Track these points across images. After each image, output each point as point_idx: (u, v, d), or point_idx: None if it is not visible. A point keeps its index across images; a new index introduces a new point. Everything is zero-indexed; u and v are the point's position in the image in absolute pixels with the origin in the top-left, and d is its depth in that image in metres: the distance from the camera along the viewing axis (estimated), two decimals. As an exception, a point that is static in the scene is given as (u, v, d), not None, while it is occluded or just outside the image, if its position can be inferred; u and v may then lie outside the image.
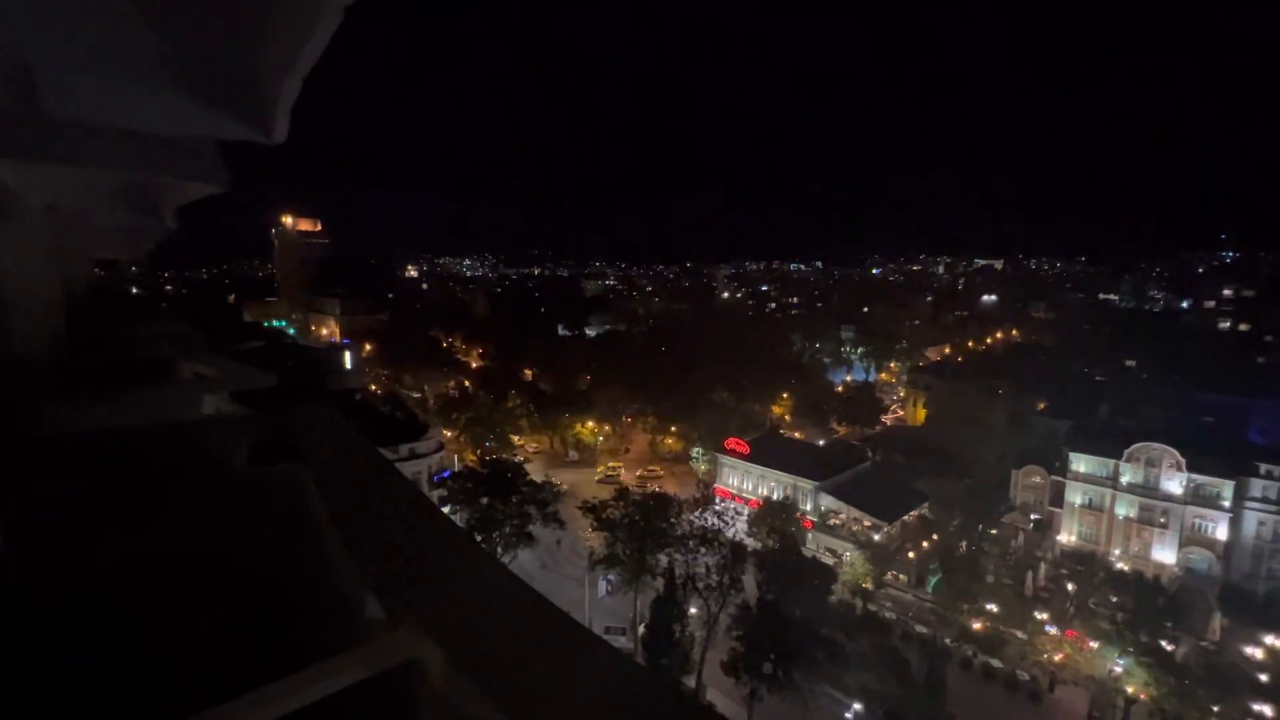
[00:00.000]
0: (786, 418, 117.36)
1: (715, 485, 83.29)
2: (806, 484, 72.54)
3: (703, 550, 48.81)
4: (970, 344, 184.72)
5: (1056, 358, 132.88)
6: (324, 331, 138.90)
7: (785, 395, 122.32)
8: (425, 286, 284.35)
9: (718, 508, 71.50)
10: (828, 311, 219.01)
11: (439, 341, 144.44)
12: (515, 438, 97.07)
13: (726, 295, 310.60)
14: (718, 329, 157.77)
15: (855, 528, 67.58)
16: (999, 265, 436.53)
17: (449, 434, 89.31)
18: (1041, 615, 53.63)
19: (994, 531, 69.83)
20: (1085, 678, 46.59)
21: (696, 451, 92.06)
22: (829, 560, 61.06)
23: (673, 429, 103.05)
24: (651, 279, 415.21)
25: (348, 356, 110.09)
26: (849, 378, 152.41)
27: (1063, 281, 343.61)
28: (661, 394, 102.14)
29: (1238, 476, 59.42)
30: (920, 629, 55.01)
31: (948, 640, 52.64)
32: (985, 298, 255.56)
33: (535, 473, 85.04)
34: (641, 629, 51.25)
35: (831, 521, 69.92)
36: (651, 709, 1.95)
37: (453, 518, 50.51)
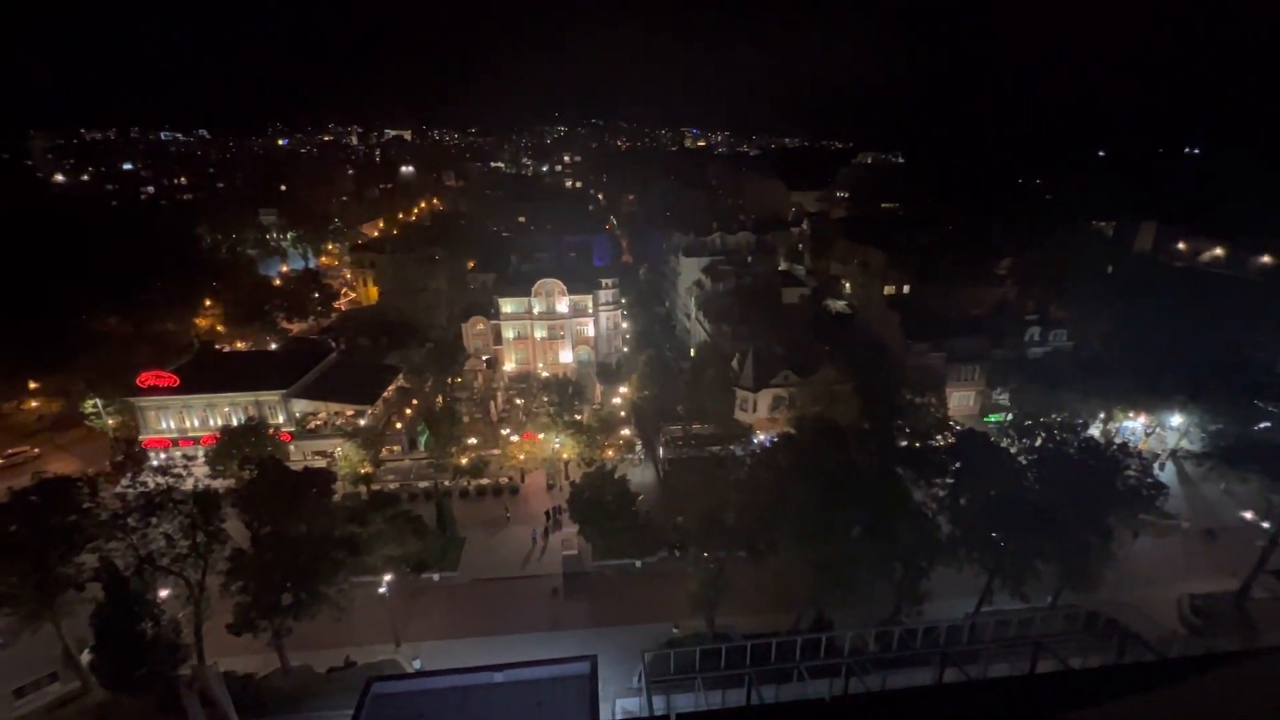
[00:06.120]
0: (219, 329, 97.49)
1: (142, 437, 63.96)
2: (271, 395, 64.30)
3: (153, 520, 37.93)
4: (401, 215, 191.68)
5: (473, 220, 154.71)
6: None
7: (209, 303, 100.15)
8: None
9: (157, 462, 55.79)
10: (234, 192, 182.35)
11: None
12: None
13: (62, 179, 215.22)
14: (63, 233, 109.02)
15: (339, 421, 65.54)
16: (408, 136, 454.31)
17: None
18: (505, 431, 67.69)
19: (459, 380, 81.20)
20: (543, 462, 62.79)
21: (92, 405, 66.83)
22: (322, 463, 58.17)
23: (33, 386, 70.60)
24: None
25: None
26: (285, 268, 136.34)
27: (463, 151, 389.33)
28: (-13, 341, 66.75)
29: (593, 291, 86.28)
30: (423, 484, 60.89)
31: (446, 482, 60.47)
32: (404, 169, 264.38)
33: None
34: (86, 656, 37.88)
35: (312, 425, 65.49)
36: None
37: None
